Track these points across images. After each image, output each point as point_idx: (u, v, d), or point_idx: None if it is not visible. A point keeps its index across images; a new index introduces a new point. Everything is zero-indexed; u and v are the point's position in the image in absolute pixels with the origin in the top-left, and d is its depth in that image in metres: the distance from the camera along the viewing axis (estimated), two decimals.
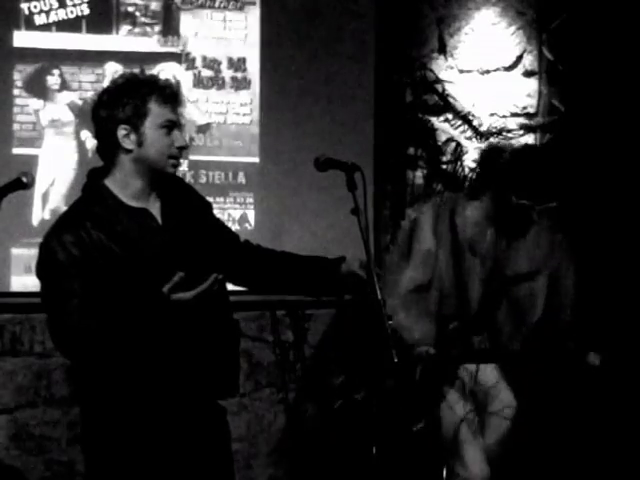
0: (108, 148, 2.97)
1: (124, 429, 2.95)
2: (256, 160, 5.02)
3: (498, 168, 3.87)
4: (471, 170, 5.12)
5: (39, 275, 2.95)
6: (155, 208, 3.02)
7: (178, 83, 3.12)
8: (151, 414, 2.95)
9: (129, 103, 2.92)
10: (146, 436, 2.95)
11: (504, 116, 5.36)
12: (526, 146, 4.03)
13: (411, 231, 3.98)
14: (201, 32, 4.94)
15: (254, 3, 5.01)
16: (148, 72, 4.80)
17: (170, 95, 2.97)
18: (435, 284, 3.92)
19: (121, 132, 2.92)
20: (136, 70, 4.60)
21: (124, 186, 2.97)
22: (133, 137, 2.93)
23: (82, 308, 2.84)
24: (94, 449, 3.01)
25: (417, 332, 3.89)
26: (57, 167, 4.77)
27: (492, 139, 5.20)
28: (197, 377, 2.98)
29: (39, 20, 4.74)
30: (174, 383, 2.94)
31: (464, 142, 5.32)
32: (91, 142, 4.75)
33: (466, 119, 5.32)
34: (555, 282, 3.99)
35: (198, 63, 4.94)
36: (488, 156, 3.99)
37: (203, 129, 4.91)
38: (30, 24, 4.73)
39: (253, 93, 5.01)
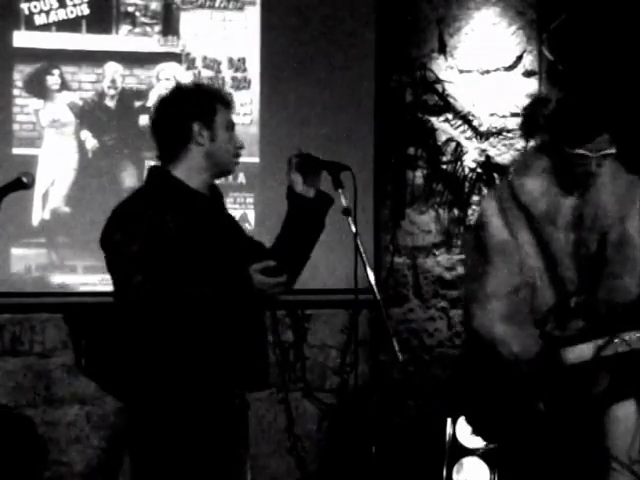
0: (178, 142, 3.09)
1: (171, 428, 2.99)
2: (256, 160, 5.02)
3: (545, 117, 3.58)
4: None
5: (114, 238, 3.00)
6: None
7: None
8: (195, 408, 2.99)
9: (202, 101, 3.10)
10: (191, 433, 2.99)
11: (504, 116, 5.35)
12: (570, 95, 3.77)
13: (478, 227, 3.65)
14: (201, 32, 4.94)
15: (254, 3, 5.01)
16: (148, 72, 4.86)
17: (230, 100, 3.20)
18: (524, 277, 3.49)
19: (196, 127, 3.07)
20: (137, 70, 4.65)
21: (188, 178, 3.09)
22: (206, 133, 3.08)
23: (153, 275, 2.92)
24: (145, 449, 3.04)
25: (516, 344, 3.43)
26: (57, 167, 4.76)
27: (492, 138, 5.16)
28: (241, 366, 3.04)
29: (39, 20, 4.74)
30: (219, 371, 3.00)
31: (464, 142, 5.32)
32: (91, 142, 4.75)
33: (466, 119, 5.32)
34: None
35: (198, 63, 4.94)
36: (533, 106, 3.73)
37: None
38: (30, 24, 4.73)
39: (253, 93, 5.01)
